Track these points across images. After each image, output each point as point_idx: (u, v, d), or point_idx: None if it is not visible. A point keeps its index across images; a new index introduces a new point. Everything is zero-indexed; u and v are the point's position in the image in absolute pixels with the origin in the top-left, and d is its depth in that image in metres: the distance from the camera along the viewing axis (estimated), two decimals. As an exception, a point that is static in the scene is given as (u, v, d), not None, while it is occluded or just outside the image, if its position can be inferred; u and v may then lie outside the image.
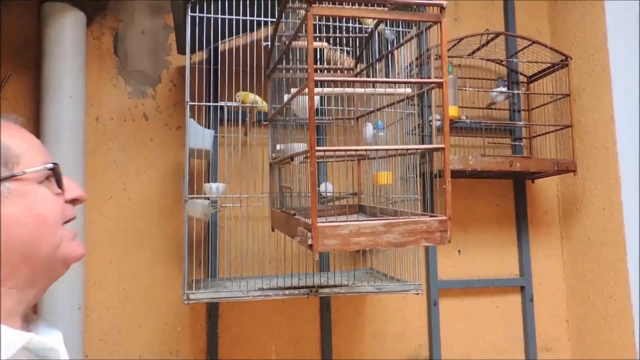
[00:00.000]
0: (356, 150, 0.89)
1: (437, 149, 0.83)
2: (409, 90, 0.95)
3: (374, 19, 0.94)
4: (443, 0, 0.79)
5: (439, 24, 0.80)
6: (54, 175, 0.68)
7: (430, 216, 0.86)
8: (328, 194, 1.64)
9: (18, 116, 0.73)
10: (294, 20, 1.30)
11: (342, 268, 1.87)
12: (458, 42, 1.85)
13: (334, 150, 0.82)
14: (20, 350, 0.62)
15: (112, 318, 1.72)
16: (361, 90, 0.89)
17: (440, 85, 0.82)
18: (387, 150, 0.97)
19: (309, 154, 0.79)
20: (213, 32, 1.41)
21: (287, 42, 0.97)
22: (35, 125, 1.66)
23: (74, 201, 0.72)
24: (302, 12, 1.19)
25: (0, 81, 1.68)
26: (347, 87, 1.05)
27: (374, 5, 0.79)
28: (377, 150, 0.92)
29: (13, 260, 0.63)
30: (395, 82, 0.87)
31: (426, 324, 1.98)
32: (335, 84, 1.00)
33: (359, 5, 0.80)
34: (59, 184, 0.68)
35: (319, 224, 0.80)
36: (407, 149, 0.89)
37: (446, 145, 0.82)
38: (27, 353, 0.63)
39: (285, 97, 1.05)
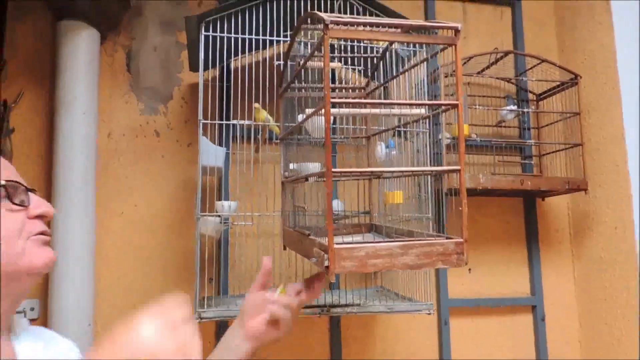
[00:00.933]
0: (372, 171, 0.89)
1: (452, 171, 0.83)
2: (422, 111, 0.95)
3: (384, 40, 0.94)
4: (457, 24, 0.80)
5: (453, 46, 0.80)
6: (7, 190, 0.68)
7: (447, 238, 0.86)
8: (339, 212, 1.64)
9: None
10: (306, 40, 1.31)
11: (351, 286, 1.86)
12: (467, 60, 1.85)
13: (351, 172, 0.82)
14: None
15: (120, 335, 1.71)
16: (377, 111, 0.89)
17: (455, 106, 0.82)
18: (402, 171, 0.96)
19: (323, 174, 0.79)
20: (224, 50, 1.42)
21: (301, 62, 0.98)
22: (49, 141, 1.67)
23: (41, 217, 0.73)
24: (317, 32, 1.20)
25: (16, 96, 1.70)
26: (361, 107, 1.05)
27: (388, 28, 0.80)
28: (393, 171, 0.92)
29: None
30: (410, 104, 0.87)
31: (437, 343, 1.96)
32: (349, 104, 1.00)
33: (373, 27, 0.80)
34: (12, 201, 0.69)
35: (336, 246, 0.79)
36: (422, 171, 0.89)
37: (462, 166, 0.82)
38: None
39: (299, 117, 1.06)
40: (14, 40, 1.73)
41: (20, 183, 0.71)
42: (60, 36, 1.64)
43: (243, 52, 1.43)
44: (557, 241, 2.12)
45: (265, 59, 1.51)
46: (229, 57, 1.48)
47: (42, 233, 0.72)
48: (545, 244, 2.09)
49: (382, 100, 0.92)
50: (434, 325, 1.97)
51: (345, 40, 1.28)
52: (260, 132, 1.47)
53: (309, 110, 0.92)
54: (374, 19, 0.77)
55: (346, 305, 1.48)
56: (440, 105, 0.84)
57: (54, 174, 1.60)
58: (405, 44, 1.45)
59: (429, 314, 1.46)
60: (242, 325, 0.96)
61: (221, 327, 1.77)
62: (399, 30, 0.82)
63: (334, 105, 0.76)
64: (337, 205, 1.66)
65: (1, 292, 0.67)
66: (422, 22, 0.76)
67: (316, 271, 1.04)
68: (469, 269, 2.03)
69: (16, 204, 0.69)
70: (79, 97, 1.62)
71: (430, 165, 1.53)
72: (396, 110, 0.87)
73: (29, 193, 0.73)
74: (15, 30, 1.74)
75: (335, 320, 1.87)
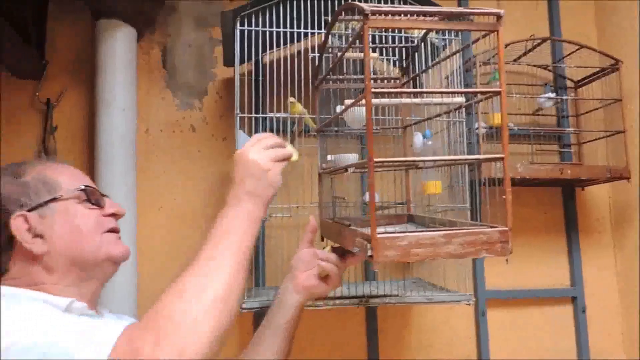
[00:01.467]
0: (414, 161, 0.89)
1: (496, 159, 0.82)
2: (462, 99, 0.94)
3: (425, 29, 0.94)
4: (499, 10, 0.79)
5: (496, 33, 0.79)
6: (86, 194, 0.87)
7: (490, 227, 0.85)
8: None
9: (63, 160, 0.99)
10: (340, 32, 1.31)
11: (388, 277, 1.86)
12: (504, 47, 1.82)
13: (393, 162, 0.82)
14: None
15: (162, 326, 1.75)
16: (418, 100, 0.89)
17: (497, 93, 0.81)
18: (445, 160, 0.96)
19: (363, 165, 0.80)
20: (259, 44, 1.43)
21: (338, 53, 0.98)
22: (90, 138, 1.72)
23: (114, 215, 0.91)
24: (354, 23, 1.20)
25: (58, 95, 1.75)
26: (398, 97, 1.04)
27: (428, 16, 0.79)
28: (435, 160, 0.92)
29: (64, 264, 0.82)
30: (452, 92, 0.87)
31: (474, 334, 1.94)
32: (387, 94, 1.00)
33: (412, 15, 0.80)
34: (91, 201, 0.87)
35: (379, 235, 0.80)
36: (465, 159, 0.88)
37: (505, 154, 0.81)
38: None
39: (338, 108, 1.06)
40: (55, 41, 1.78)
41: (94, 188, 0.89)
42: (98, 35, 1.68)
43: (277, 45, 1.44)
44: (597, 231, 2.07)
45: (300, 51, 1.52)
46: (263, 51, 1.49)
47: (114, 230, 0.90)
48: (585, 234, 2.05)
49: (424, 89, 0.92)
50: (471, 317, 1.96)
51: (380, 30, 1.28)
52: (296, 124, 1.48)
53: (347, 101, 0.92)
54: (414, 8, 0.76)
55: (384, 296, 1.48)
56: (484, 92, 0.83)
57: (95, 169, 1.64)
58: (440, 32, 1.44)
59: (469, 304, 1.45)
60: (292, 279, 1.09)
61: (258, 317, 1.79)
62: (437, 18, 0.81)
63: (375, 95, 0.76)
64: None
65: (87, 276, 0.84)
66: (463, 9, 0.75)
67: None
68: (507, 260, 2.00)
69: (93, 204, 0.87)
70: (118, 95, 1.66)
71: (465, 154, 1.51)
72: (437, 99, 0.86)
73: (104, 197, 0.91)
74: (56, 31, 1.79)
75: (372, 311, 1.87)
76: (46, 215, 0.82)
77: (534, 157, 1.92)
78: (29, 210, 0.81)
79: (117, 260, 0.89)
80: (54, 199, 0.83)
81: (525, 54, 1.90)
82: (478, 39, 0.78)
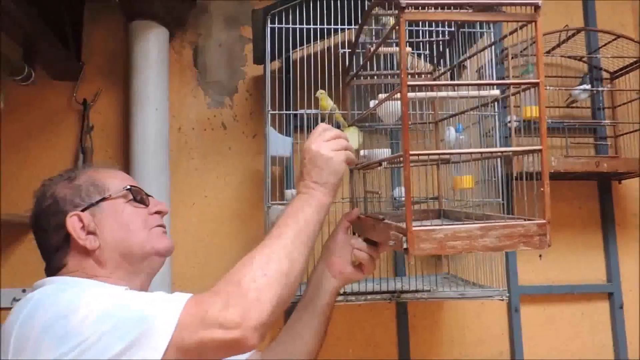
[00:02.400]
0: (451, 153, 0.88)
1: (534, 151, 0.81)
2: (497, 92, 0.93)
3: (461, 21, 0.93)
4: (537, 0, 0.78)
5: (533, 23, 0.78)
6: (132, 193, 0.94)
7: (528, 219, 0.84)
8: (402, 199, 1.63)
9: (112, 161, 1.18)
10: (370, 27, 1.31)
11: (418, 273, 1.85)
12: (535, 40, 1.78)
13: (429, 154, 0.82)
14: None
15: (196, 320, 1.78)
16: (453, 93, 0.88)
17: (535, 85, 0.80)
18: (482, 153, 0.95)
19: (396, 159, 0.80)
20: (289, 41, 1.44)
21: (372, 48, 0.98)
22: (125, 137, 1.76)
23: (158, 213, 0.98)
24: (386, 18, 1.19)
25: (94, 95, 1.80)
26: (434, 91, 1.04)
27: (463, 8, 0.79)
28: (472, 153, 0.91)
29: (115, 258, 0.90)
30: (489, 84, 0.86)
31: (507, 330, 1.92)
32: (418, 88, 1.00)
33: (448, 8, 0.79)
34: (136, 200, 0.94)
35: (414, 228, 0.80)
36: (502, 152, 0.87)
37: (544, 146, 0.80)
38: None
39: (372, 103, 1.06)
40: (90, 43, 1.83)
41: (140, 188, 0.97)
42: (132, 36, 1.72)
43: (307, 42, 1.45)
44: (634, 225, 2.01)
45: (329, 47, 1.52)
46: (293, 48, 1.50)
47: (160, 225, 0.97)
48: (622, 229, 2.00)
49: (462, 82, 0.91)
50: (503, 313, 1.93)
51: (411, 24, 1.27)
52: (326, 121, 1.48)
53: (381, 96, 0.92)
54: (448, 0, 0.76)
55: (416, 291, 1.47)
56: (521, 84, 0.82)
57: (130, 167, 1.68)
58: (472, 25, 1.42)
59: (502, 300, 1.44)
60: (328, 263, 1.14)
61: (289, 312, 1.80)
62: (472, 10, 0.81)
63: (410, 88, 0.76)
64: (401, 192, 1.65)
65: (136, 269, 0.91)
66: (500, 0, 0.75)
67: (381, 256, 1.13)
68: (540, 255, 1.97)
69: (139, 202, 0.94)
70: (151, 94, 1.69)
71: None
72: (474, 92, 0.85)
73: (149, 197, 0.98)
74: (91, 34, 1.84)
75: (403, 307, 1.87)
76: (97, 213, 0.90)
77: (569, 151, 1.88)
78: (82, 210, 0.89)
79: (162, 253, 0.95)
80: (103, 199, 0.91)
81: (559, 45, 1.86)
82: (515, 30, 0.77)
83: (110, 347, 0.69)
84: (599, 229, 2.00)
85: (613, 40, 1.84)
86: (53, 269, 0.91)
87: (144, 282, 0.94)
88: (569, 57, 1.94)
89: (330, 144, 0.97)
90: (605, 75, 2.00)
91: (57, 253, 0.90)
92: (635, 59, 1.86)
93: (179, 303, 0.75)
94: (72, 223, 0.88)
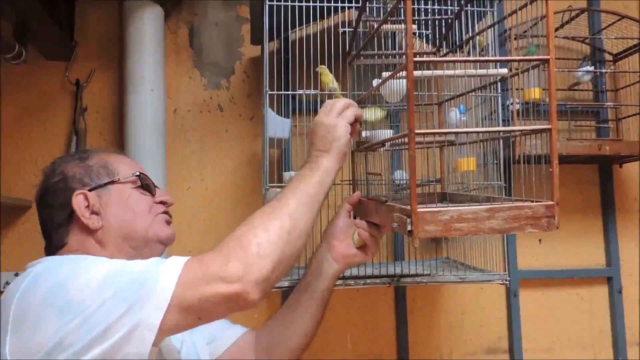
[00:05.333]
0: (457, 132, 0.86)
1: (543, 130, 0.79)
2: (504, 70, 0.90)
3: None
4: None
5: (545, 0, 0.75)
6: (140, 180, 0.96)
7: (535, 201, 0.82)
8: (403, 182, 1.61)
9: (117, 149, 1.14)
10: (372, 5, 1.27)
11: (417, 257, 1.83)
12: (540, 19, 1.75)
13: (434, 133, 0.79)
14: None
15: (193, 305, 1.76)
16: (461, 71, 0.85)
17: (545, 61, 0.77)
18: (490, 132, 0.93)
19: (402, 139, 0.77)
20: (288, 20, 1.40)
21: (375, 26, 0.95)
22: (120, 118, 1.73)
23: (163, 203, 1.00)
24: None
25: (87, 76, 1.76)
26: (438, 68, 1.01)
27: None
28: (479, 132, 0.88)
29: (116, 240, 0.91)
30: (498, 61, 0.83)
31: (505, 315, 1.91)
32: (426, 67, 0.97)
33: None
34: (143, 187, 0.96)
35: (419, 210, 0.77)
36: (512, 130, 0.85)
37: (553, 125, 0.78)
38: None
39: (374, 82, 1.03)
40: (84, 22, 1.78)
41: (148, 177, 0.98)
42: (126, 15, 1.67)
43: (307, 21, 1.40)
44: (635, 210, 2.00)
45: (329, 27, 1.48)
46: (292, 27, 1.46)
47: (165, 213, 0.99)
48: (622, 213, 1.99)
49: (469, 58, 0.88)
50: (502, 298, 1.92)
51: (413, 2, 1.23)
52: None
53: (385, 74, 0.89)
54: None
55: (416, 275, 1.45)
56: (531, 60, 0.79)
57: (125, 150, 1.65)
58: (475, 4, 1.39)
59: (503, 284, 1.42)
60: (329, 248, 1.12)
61: (285, 296, 1.79)
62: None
63: (416, 65, 0.73)
64: (402, 175, 1.63)
65: (136, 254, 0.91)
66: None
67: (384, 241, 1.09)
68: (539, 240, 1.96)
69: (145, 190, 0.96)
70: (147, 75, 1.65)
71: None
72: (482, 71, 0.83)
73: (155, 187, 1.00)
74: (84, 12, 1.79)
75: (401, 291, 1.86)
76: (103, 195, 0.91)
77: (571, 134, 1.86)
78: (90, 190, 0.90)
79: (164, 241, 0.96)
80: (112, 182, 0.93)
81: (562, 26, 1.83)
82: (525, 4, 0.75)
83: (112, 312, 0.70)
84: (599, 213, 1.99)
85: (617, 21, 1.81)
86: (53, 247, 0.90)
87: None
88: (572, 38, 1.91)
89: (335, 112, 0.98)
90: (607, 57, 1.97)
91: (59, 230, 0.90)
92: (638, 40, 1.83)
93: (179, 263, 0.76)
94: (78, 201, 0.89)
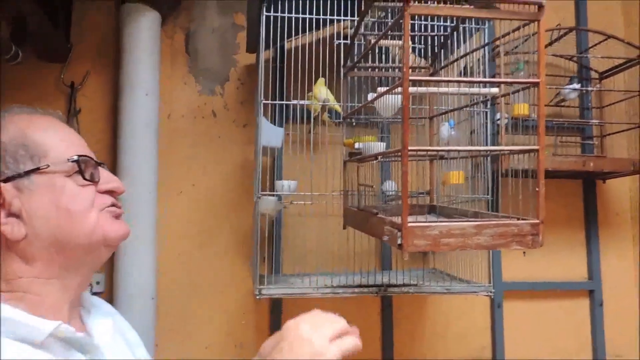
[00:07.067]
0: (448, 150, 0.89)
1: (531, 151, 0.81)
2: (495, 90, 0.93)
3: (458, 17, 0.93)
4: (541, -1, 0.77)
5: (537, 22, 0.78)
6: (78, 167, 0.67)
7: (521, 219, 0.85)
8: (391, 193, 1.64)
9: (59, 112, 0.74)
10: (372, 19, 1.30)
11: (404, 267, 1.86)
12: (527, 38, 1.79)
13: (427, 150, 0.82)
14: (51, 339, 0.62)
15: (181, 309, 1.77)
16: (454, 90, 0.88)
17: (535, 84, 0.80)
18: (479, 151, 0.95)
19: (394, 154, 0.79)
20: (284, 30, 1.42)
21: (372, 40, 0.98)
22: (113, 121, 1.73)
23: (110, 192, 0.72)
24: (382, 11, 1.19)
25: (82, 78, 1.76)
26: (432, 86, 1.04)
27: (468, 3, 0.78)
28: (469, 150, 0.91)
29: (47, 251, 0.65)
30: (490, 82, 0.86)
31: (489, 325, 1.95)
32: (419, 83, 0.99)
33: (452, 3, 0.79)
34: (84, 176, 0.67)
35: (409, 224, 0.80)
36: (501, 150, 0.88)
37: (541, 146, 0.81)
38: (63, 344, 0.64)
39: (370, 96, 1.05)
40: (80, 24, 1.79)
41: (90, 157, 0.69)
42: (123, 19, 1.68)
43: (302, 32, 1.43)
44: (617, 225, 2.05)
45: (324, 38, 1.51)
46: (288, 37, 1.48)
47: (113, 205, 0.71)
48: (604, 228, 2.03)
49: (463, 79, 0.91)
50: (486, 309, 1.96)
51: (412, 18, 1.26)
52: (319, 114, 1.48)
53: (380, 89, 0.92)
54: (453, -5, 0.76)
55: (403, 285, 1.48)
56: (521, 83, 0.82)
57: (118, 153, 1.66)
58: (467, 21, 1.42)
59: (487, 295, 1.45)
60: None
61: (275, 305, 1.81)
62: (473, 6, 0.80)
63: (412, 83, 0.76)
64: (391, 185, 1.66)
65: (76, 264, 0.68)
66: (505, -2, 0.74)
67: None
68: (524, 252, 2.00)
69: (86, 179, 0.68)
70: (142, 79, 1.66)
71: (488, 145, 1.50)
72: (475, 90, 0.85)
73: (99, 168, 0.71)
74: (81, 14, 1.79)
75: (387, 300, 1.88)
76: (26, 189, 0.64)
77: (556, 149, 1.90)
78: (4, 181, 0.63)
79: (114, 242, 0.70)
80: (38, 169, 0.64)
81: (550, 43, 1.87)
82: (518, 27, 0.77)
83: None
84: (583, 227, 2.04)
85: (604, 40, 1.86)
86: None
87: (82, 281, 0.70)
88: (560, 56, 1.95)
89: (328, 333, 0.73)
90: (594, 75, 2.02)
91: None
92: (624, 60, 1.88)
93: None
94: None
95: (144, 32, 1.67)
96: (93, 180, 0.69)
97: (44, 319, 0.62)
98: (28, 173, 0.64)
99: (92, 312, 0.74)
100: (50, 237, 0.64)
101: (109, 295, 1.67)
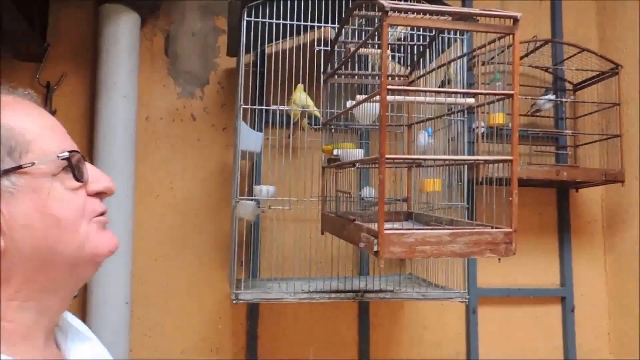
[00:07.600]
0: (426, 159, 0.90)
1: (505, 161, 0.83)
2: (471, 100, 0.95)
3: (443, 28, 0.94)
4: (517, 13, 0.79)
5: (511, 35, 0.80)
6: (70, 166, 0.56)
7: (495, 227, 0.86)
8: (370, 199, 1.65)
9: (33, 92, 0.61)
10: (353, 27, 1.31)
11: (381, 272, 1.87)
12: (504, 49, 1.83)
13: (404, 159, 0.83)
14: None
15: (157, 314, 1.75)
16: (431, 99, 0.90)
17: (510, 96, 0.82)
18: (455, 160, 0.97)
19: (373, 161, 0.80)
20: (265, 35, 1.43)
21: (352, 48, 0.99)
22: (89, 123, 1.71)
23: (100, 194, 0.61)
24: (364, 20, 1.20)
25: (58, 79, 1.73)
26: (410, 95, 1.05)
27: (447, 15, 0.80)
28: (445, 159, 0.93)
29: (26, 269, 0.54)
30: (466, 93, 0.87)
31: (464, 331, 1.97)
32: (397, 92, 1.01)
33: (432, 15, 0.80)
34: (76, 176, 0.56)
35: (386, 232, 0.81)
36: (476, 160, 0.89)
37: (515, 156, 0.83)
38: None
39: (348, 103, 1.06)
40: (57, 24, 1.76)
41: (78, 152, 0.58)
42: (102, 20, 1.66)
43: (283, 37, 1.44)
44: (589, 233, 2.10)
45: (305, 44, 1.52)
46: (269, 42, 1.49)
47: (102, 214, 0.61)
48: (577, 236, 2.08)
49: (440, 89, 0.93)
50: (461, 314, 1.98)
51: (391, 27, 1.28)
52: (299, 120, 1.48)
53: (359, 97, 0.93)
54: (433, 7, 0.77)
55: (379, 291, 1.49)
56: (497, 94, 0.84)
57: (95, 156, 1.63)
58: (447, 32, 1.45)
59: (462, 301, 1.47)
60: None
61: (252, 309, 1.80)
62: (451, 18, 0.82)
63: (390, 92, 0.77)
64: (370, 192, 1.67)
65: (58, 283, 0.57)
66: (482, 11, 0.76)
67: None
68: (499, 259, 2.02)
69: (78, 180, 0.57)
70: (120, 81, 1.65)
71: (465, 153, 1.53)
72: (451, 100, 0.87)
73: (86, 163, 0.60)
74: (59, 14, 1.77)
75: (365, 306, 1.89)
76: (5, 192, 0.52)
77: (530, 158, 1.94)
78: None
79: (102, 258, 0.60)
80: (19, 168, 0.52)
81: (527, 55, 1.91)
82: (494, 40, 0.79)
83: None
84: (556, 235, 2.08)
85: (578, 53, 1.91)
86: None
87: (62, 302, 0.60)
88: (536, 67, 2.00)
89: None
90: (568, 86, 2.07)
91: None
92: (597, 72, 1.93)
93: None
94: None
95: (122, 33, 1.65)
96: (80, 180, 0.57)
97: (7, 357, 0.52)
98: (7, 173, 0.52)
99: (69, 335, 0.64)
100: (32, 251, 0.53)
101: (83, 300, 1.64)
